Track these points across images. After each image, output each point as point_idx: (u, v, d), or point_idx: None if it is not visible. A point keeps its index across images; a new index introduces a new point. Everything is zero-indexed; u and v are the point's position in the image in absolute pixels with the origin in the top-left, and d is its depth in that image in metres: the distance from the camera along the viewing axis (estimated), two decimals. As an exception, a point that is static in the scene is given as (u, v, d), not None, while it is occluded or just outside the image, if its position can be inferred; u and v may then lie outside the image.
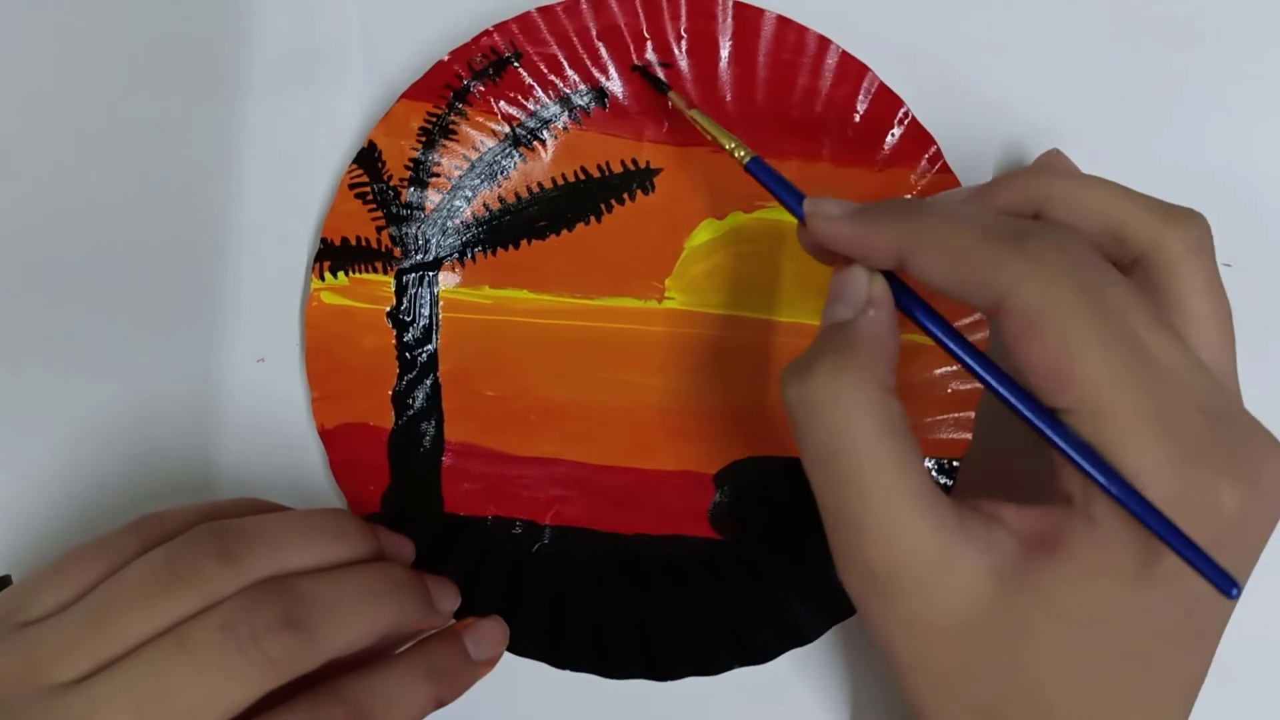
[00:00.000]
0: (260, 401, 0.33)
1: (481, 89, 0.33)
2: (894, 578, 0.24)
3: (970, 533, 0.24)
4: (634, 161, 0.33)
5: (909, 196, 0.33)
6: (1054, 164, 0.32)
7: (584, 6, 0.32)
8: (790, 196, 0.27)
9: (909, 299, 0.25)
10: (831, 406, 0.24)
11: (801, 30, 0.33)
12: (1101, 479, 0.22)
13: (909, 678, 0.25)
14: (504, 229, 0.33)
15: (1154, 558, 0.23)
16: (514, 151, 0.33)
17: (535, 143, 0.33)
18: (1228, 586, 0.22)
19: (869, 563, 0.24)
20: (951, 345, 0.25)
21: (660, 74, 0.33)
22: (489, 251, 0.33)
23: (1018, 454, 0.31)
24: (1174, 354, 0.23)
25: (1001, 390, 0.24)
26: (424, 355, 0.33)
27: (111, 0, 0.35)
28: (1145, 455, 0.22)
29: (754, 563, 0.33)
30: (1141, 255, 0.26)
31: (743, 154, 0.29)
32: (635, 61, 0.33)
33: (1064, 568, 0.23)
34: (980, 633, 0.24)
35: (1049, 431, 0.23)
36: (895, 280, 0.26)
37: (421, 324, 0.33)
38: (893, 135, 0.33)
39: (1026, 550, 0.24)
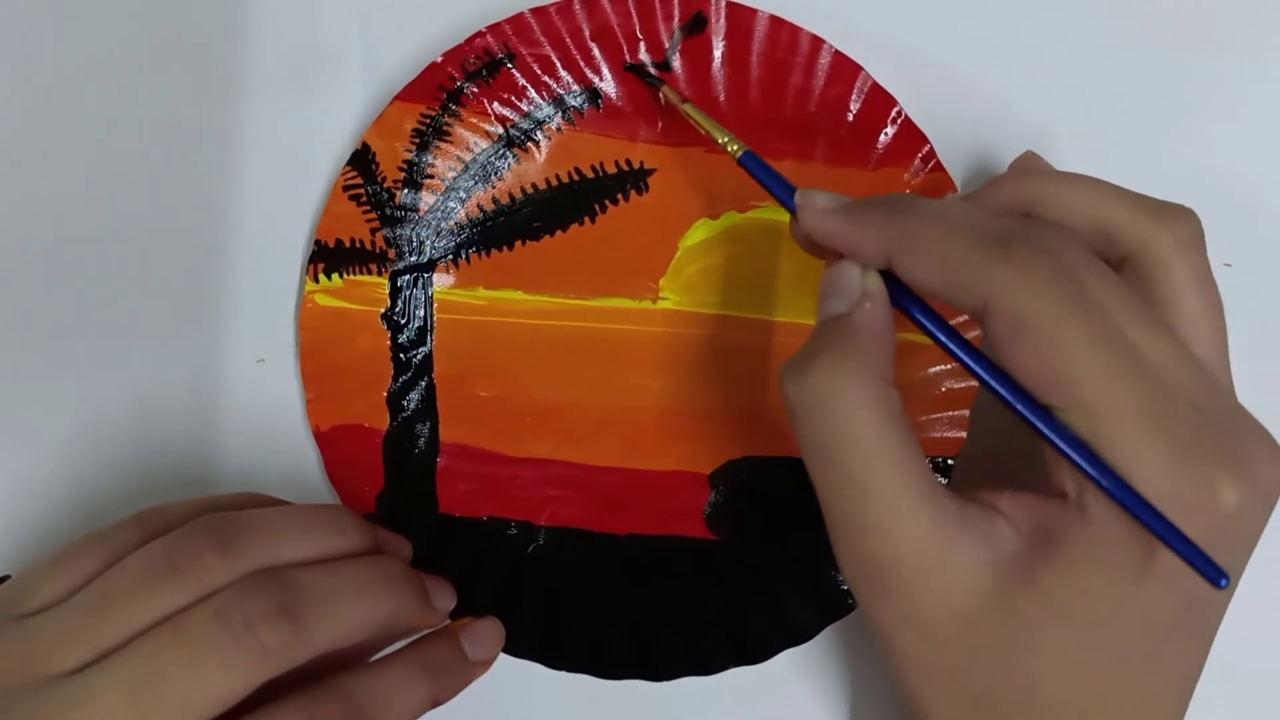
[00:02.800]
0: (259, 402, 0.33)
1: (475, 90, 0.33)
2: (894, 571, 0.24)
3: (970, 525, 0.24)
4: (628, 162, 0.33)
5: (904, 193, 0.33)
6: (1031, 166, 0.31)
7: (577, 7, 0.32)
8: (781, 190, 0.28)
9: (903, 294, 0.25)
10: (832, 400, 0.24)
11: (795, 30, 0.33)
12: (1093, 473, 0.22)
13: (907, 670, 0.25)
14: (498, 230, 0.33)
15: (1151, 553, 0.23)
16: (508, 152, 0.33)
17: (529, 144, 0.33)
18: (1216, 577, 0.22)
19: (869, 556, 0.24)
20: (946, 341, 0.25)
21: (652, 70, 0.33)
22: (483, 253, 0.33)
23: (1013, 451, 0.31)
24: (1163, 350, 0.23)
25: (997, 387, 0.24)
26: (418, 357, 0.33)
27: (111, 1, 0.35)
28: (1135, 450, 0.22)
29: (749, 562, 0.33)
30: (1131, 253, 0.26)
31: (735, 148, 0.29)
32: (629, 60, 0.33)
33: (1061, 563, 0.23)
34: (978, 626, 0.24)
35: (1042, 427, 0.23)
36: (888, 275, 0.26)
37: (416, 325, 0.33)
38: (886, 134, 0.33)
39: (1025, 544, 0.24)
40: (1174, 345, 0.24)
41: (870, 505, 0.24)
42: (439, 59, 0.32)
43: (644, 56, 0.33)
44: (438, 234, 0.33)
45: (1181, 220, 0.26)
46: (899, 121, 0.33)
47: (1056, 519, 0.24)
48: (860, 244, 0.25)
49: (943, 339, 0.25)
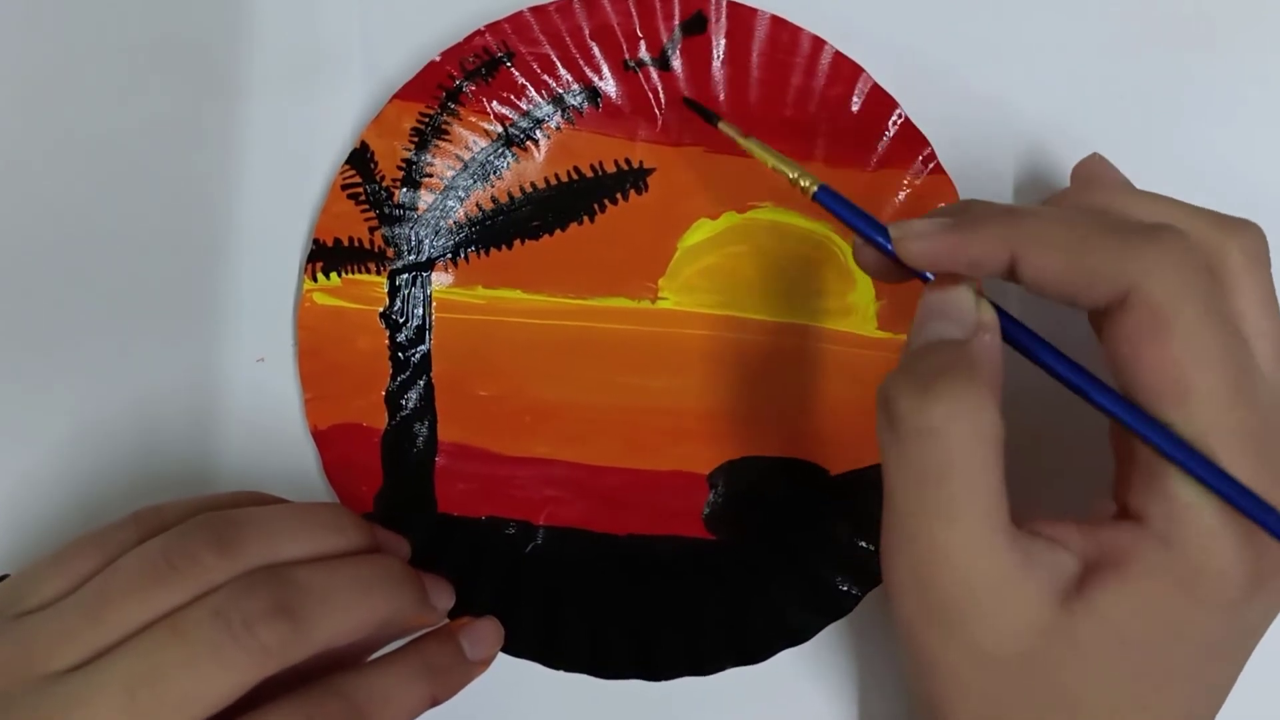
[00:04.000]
0: (257, 402, 0.33)
1: (474, 89, 0.33)
2: (964, 607, 0.24)
3: (1037, 561, 0.24)
4: (627, 161, 0.33)
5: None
6: (1096, 170, 0.31)
7: (576, 6, 0.32)
8: (868, 225, 0.26)
9: (1013, 324, 0.25)
10: (949, 426, 0.23)
11: (795, 30, 0.33)
12: (1229, 493, 0.22)
13: (952, 702, 0.25)
14: (497, 229, 0.33)
15: (1233, 583, 0.23)
16: (507, 151, 0.33)
17: (528, 142, 0.33)
18: None
19: (940, 590, 0.24)
20: (1064, 372, 0.25)
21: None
22: (482, 252, 0.33)
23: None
24: (1262, 375, 0.24)
25: (1123, 414, 0.23)
26: (417, 356, 0.33)
27: (111, 1, 0.35)
28: (1242, 475, 0.22)
29: (748, 562, 0.33)
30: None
31: (808, 183, 0.28)
32: (627, 59, 0.33)
33: (1128, 588, 0.23)
34: (1034, 660, 0.24)
35: (1171, 449, 0.23)
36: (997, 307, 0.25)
37: (414, 325, 0.33)
38: (886, 136, 0.33)
39: (1086, 569, 0.24)
40: (1260, 370, 0.24)
41: (954, 534, 0.23)
42: (438, 58, 0.32)
43: (644, 55, 0.33)
44: (436, 233, 0.33)
45: (1249, 233, 0.26)
46: (899, 123, 0.33)
47: (1128, 544, 0.23)
48: (978, 253, 0.25)
49: (1058, 368, 0.25)
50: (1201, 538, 0.23)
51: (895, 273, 0.27)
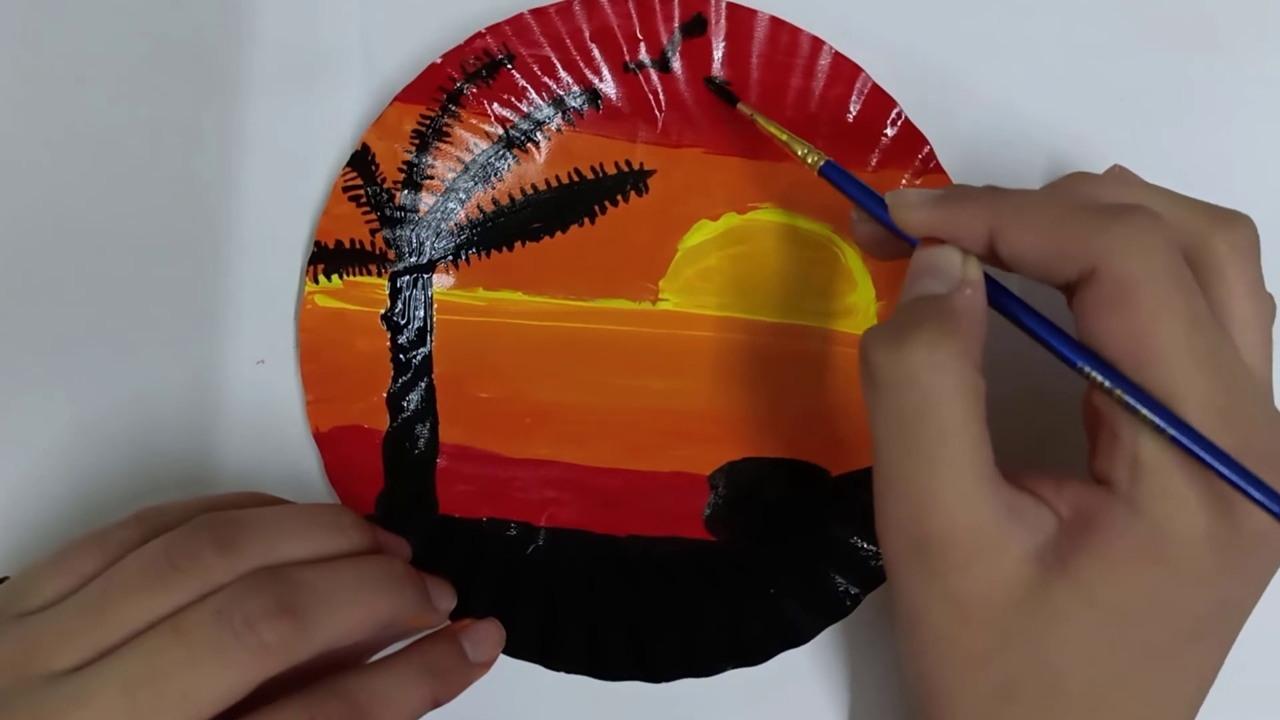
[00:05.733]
0: (259, 403, 0.33)
1: (474, 91, 0.33)
2: (946, 551, 0.24)
3: (1020, 513, 0.24)
4: (627, 163, 0.34)
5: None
6: (1122, 178, 0.31)
7: (577, 8, 0.32)
8: (869, 198, 0.28)
9: (997, 288, 0.26)
10: (925, 375, 0.24)
11: (795, 31, 0.33)
12: (1202, 452, 0.22)
13: (934, 652, 0.25)
14: (498, 231, 0.33)
15: (1201, 550, 0.23)
16: (507, 153, 0.33)
17: (529, 144, 0.33)
18: None
19: (924, 532, 0.24)
20: (1043, 333, 0.25)
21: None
22: (483, 253, 0.33)
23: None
24: (1234, 352, 0.24)
25: (1101, 376, 0.24)
26: (418, 358, 0.33)
27: (111, 1, 0.35)
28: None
29: (748, 564, 0.33)
30: (1187, 257, 0.26)
31: (815, 159, 0.30)
32: (628, 61, 0.33)
33: (1099, 553, 0.24)
34: (1013, 614, 0.24)
35: (1151, 413, 0.23)
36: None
37: (416, 327, 0.33)
38: (886, 135, 0.33)
39: (1063, 532, 0.24)
40: (1236, 349, 0.24)
41: (938, 480, 0.24)
42: (439, 60, 0.32)
43: (644, 58, 0.33)
44: (437, 235, 0.33)
45: (1238, 226, 0.26)
46: (899, 123, 0.33)
47: (1099, 508, 0.24)
48: (961, 227, 0.25)
49: (1038, 330, 0.25)
50: (1164, 498, 0.23)
51: (890, 247, 0.28)
